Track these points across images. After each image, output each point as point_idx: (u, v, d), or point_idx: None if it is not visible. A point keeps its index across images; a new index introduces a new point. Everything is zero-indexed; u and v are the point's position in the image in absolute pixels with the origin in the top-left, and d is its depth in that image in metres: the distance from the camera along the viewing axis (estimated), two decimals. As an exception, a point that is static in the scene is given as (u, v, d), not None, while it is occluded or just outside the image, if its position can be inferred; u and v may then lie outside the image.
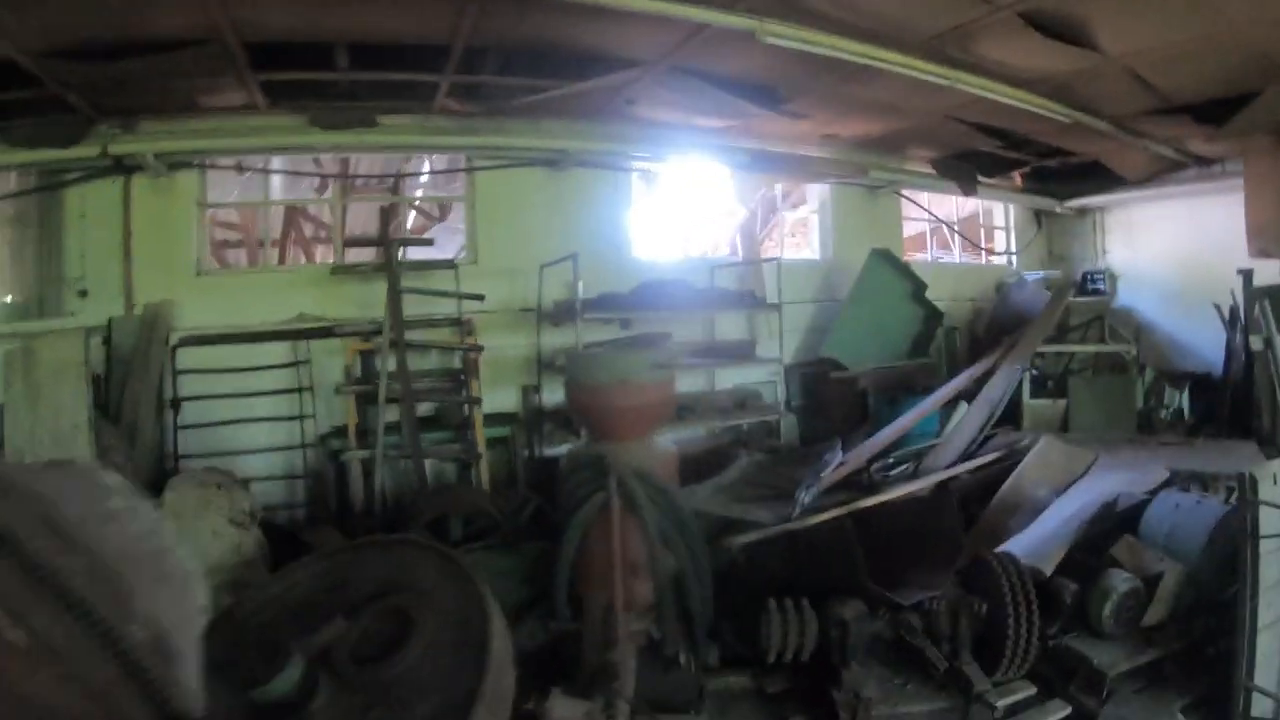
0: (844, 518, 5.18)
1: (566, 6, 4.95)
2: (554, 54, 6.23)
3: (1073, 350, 10.05)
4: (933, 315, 9.87)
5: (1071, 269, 11.67)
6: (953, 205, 12.39)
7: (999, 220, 12.35)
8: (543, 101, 6.95)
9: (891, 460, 7.08)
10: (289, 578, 2.87)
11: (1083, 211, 11.66)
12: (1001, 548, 4.57)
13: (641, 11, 4.95)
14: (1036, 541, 4.72)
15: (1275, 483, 3.89)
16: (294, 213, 10.01)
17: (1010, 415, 8.69)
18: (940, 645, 4.06)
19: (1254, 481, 3.76)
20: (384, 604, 2.53)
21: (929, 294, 9.67)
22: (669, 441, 5.11)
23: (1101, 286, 11.06)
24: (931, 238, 12.25)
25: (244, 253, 10.08)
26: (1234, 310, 9.09)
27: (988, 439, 7.18)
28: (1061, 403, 8.76)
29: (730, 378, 8.85)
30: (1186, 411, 8.92)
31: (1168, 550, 4.37)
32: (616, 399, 4.99)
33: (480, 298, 7.17)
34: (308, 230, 10.53)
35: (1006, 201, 11.72)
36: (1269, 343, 8.47)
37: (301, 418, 6.88)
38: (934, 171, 10.36)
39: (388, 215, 7.46)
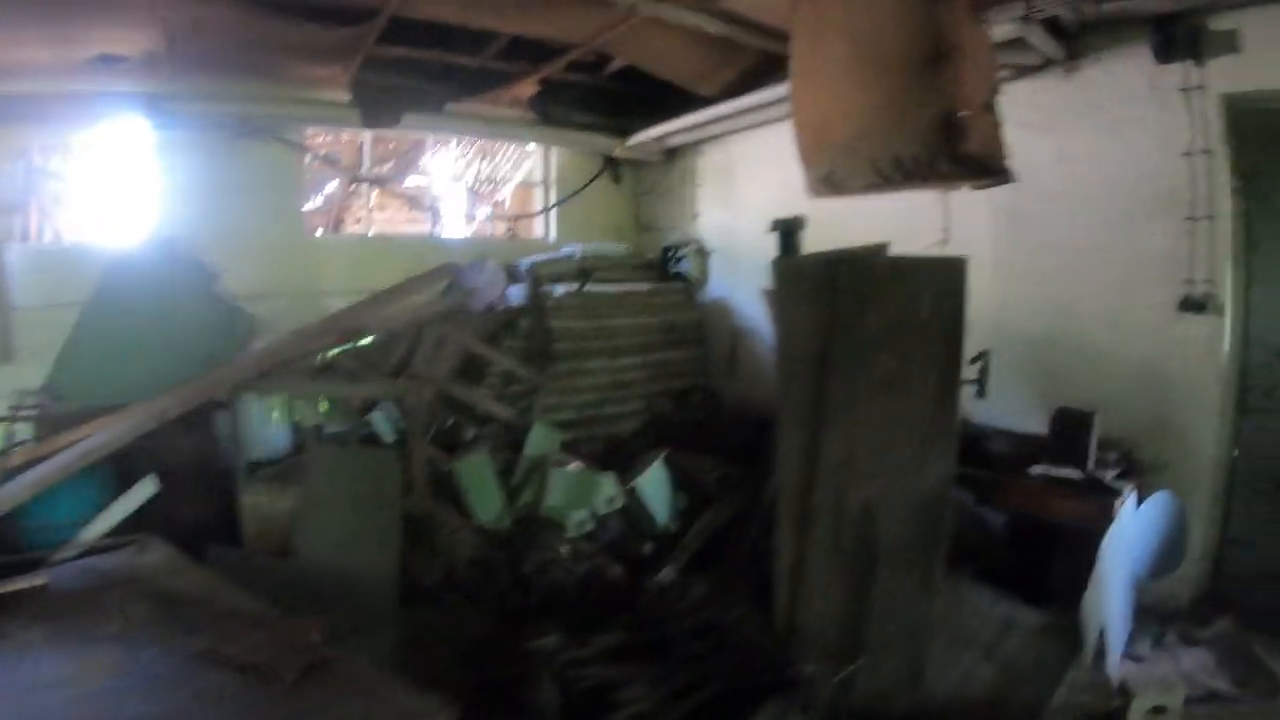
0: None
1: None
2: None
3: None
4: (235, 320, 5.00)
5: (660, 241, 6.78)
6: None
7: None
8: None
9: None
10: None
11: (671, 155, 6.79)
12: None
13: None
14: None
15: None
16: None
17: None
18: None
19: None
20: None
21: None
22: None
23: (686, 269, 6.16)
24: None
25: None
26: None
27: None
28: (293, 494, 3.83)
29: None
30: (658, 523, 3.89)
31: None
32: None
33: None
34: None
35: (544, 143, 6.71)
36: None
37: None
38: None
39: None
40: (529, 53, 5.09)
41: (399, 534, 3.54)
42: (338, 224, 7.21)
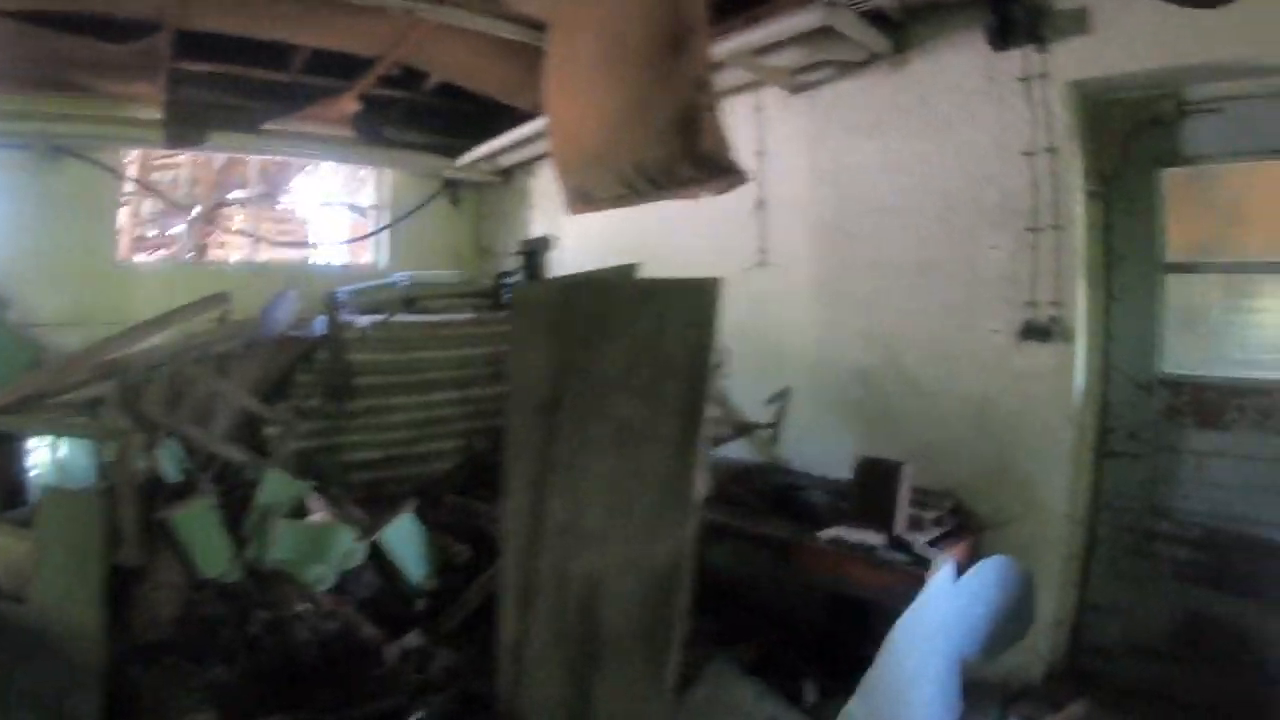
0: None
1: None
2: None
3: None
4: (18, 349, 4.57)
5: (495, 267, 6.22)
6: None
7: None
8: None
9: None
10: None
11: (508, 176, 6.26)
12: None
13: None
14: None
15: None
16: None
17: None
18: None
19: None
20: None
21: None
22: None
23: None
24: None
25: None
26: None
27: None
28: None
29: None
30: (411, 580, 3.34)
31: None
32: None
33: None
34: None
35: (373, 164, 6.22)
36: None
37: None
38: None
39: None
40: (340, 68, 4.66)
41: (103, 586, 3.12)
42: (201, 250, 6.85)
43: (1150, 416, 3.35)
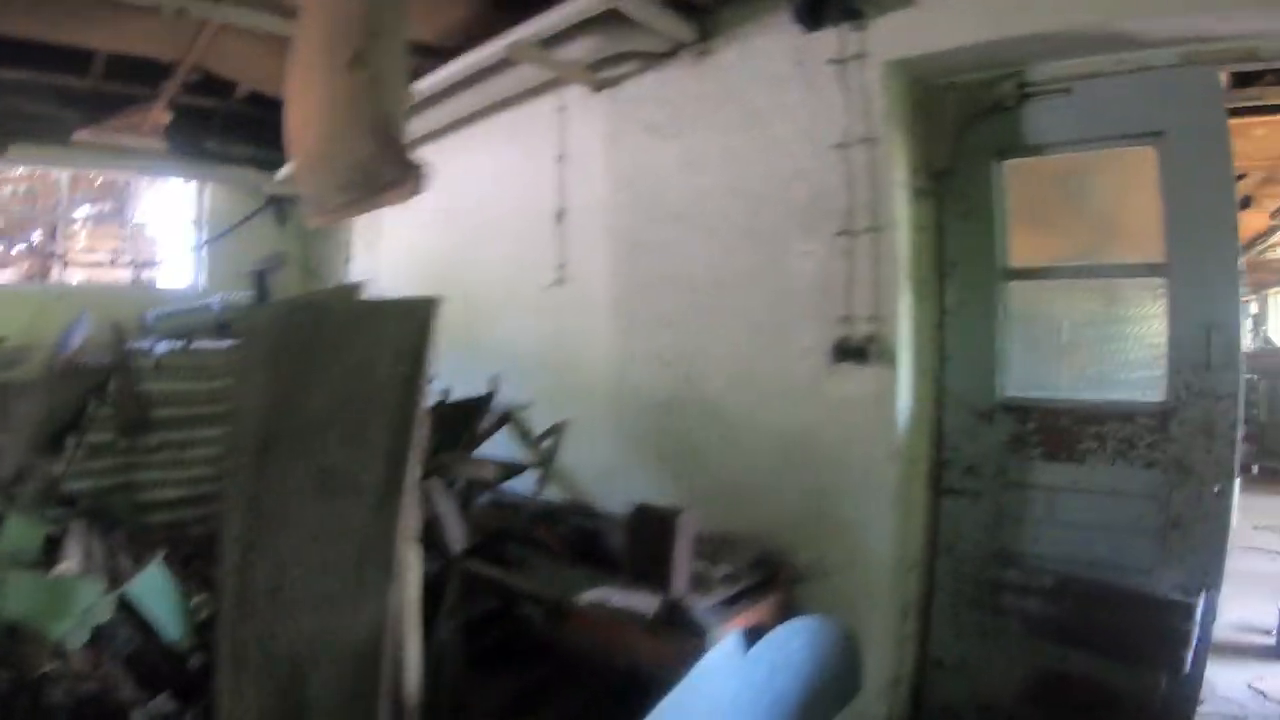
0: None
1: None
2: None
3: None
4: None
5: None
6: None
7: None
8: None
9: None
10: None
11: None
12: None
13: None
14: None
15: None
16: None
17: None
18: None
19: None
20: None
21: None
22: None
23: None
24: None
25: None
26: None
27: None
28: None
29: None
30: (165, 637, 3.04)
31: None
32: None
33: None
34: None
35: (189, 178, 5.77)
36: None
37: None
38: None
39: None
40: (150, 75, 4.33)
41: None
42: (45, 270, 6.53)
43: (992, 448, 2.90)
